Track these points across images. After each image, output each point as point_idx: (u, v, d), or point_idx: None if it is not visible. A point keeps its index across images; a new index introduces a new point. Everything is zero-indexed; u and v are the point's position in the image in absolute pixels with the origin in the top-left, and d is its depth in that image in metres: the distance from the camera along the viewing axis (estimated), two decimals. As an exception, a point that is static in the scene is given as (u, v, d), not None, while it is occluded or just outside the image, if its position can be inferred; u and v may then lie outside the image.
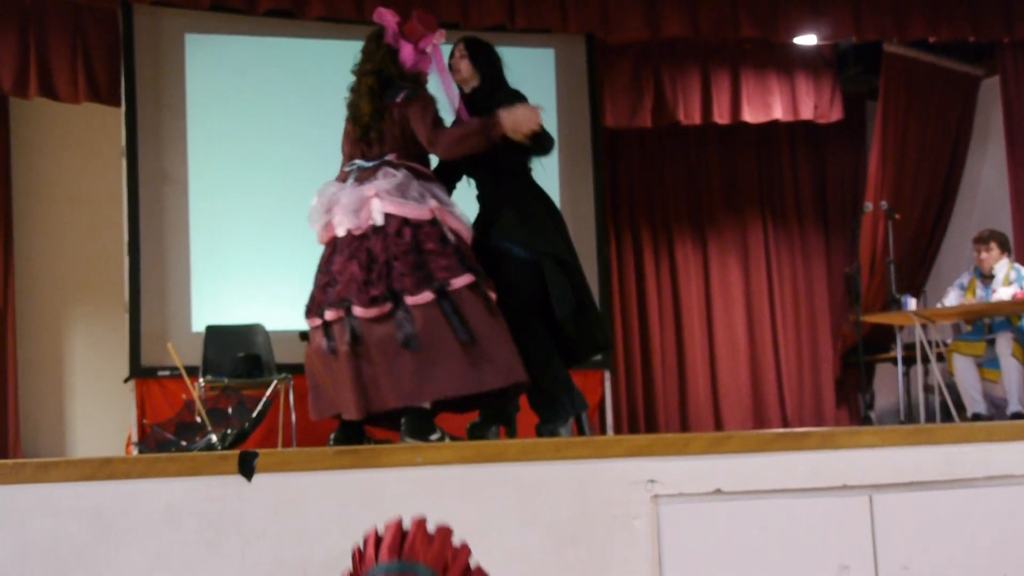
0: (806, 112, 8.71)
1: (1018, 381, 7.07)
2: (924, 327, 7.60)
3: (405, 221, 4.44)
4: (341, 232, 4.51)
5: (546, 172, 7.67)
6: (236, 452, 3.39)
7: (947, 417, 7.54)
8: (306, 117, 7.09)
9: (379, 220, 4.42)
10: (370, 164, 4.59)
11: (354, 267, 4.42)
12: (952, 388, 7.47)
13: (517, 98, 4.81)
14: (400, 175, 4.52)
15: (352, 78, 4.80)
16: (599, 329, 4.94)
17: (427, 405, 4.49)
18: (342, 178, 4.65)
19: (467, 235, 4.61)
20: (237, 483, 3.33)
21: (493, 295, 4.51)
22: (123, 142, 6.99)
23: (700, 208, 9.13)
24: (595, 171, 7.93)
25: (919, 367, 8.19)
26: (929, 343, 7.57)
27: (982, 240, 7.46)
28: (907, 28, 7.99)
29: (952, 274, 8.52)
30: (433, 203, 4.52)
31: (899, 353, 7.97)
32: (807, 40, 8.29)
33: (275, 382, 6.44)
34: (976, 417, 7.14)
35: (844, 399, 9.17)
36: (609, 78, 8.30)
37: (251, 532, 3.31)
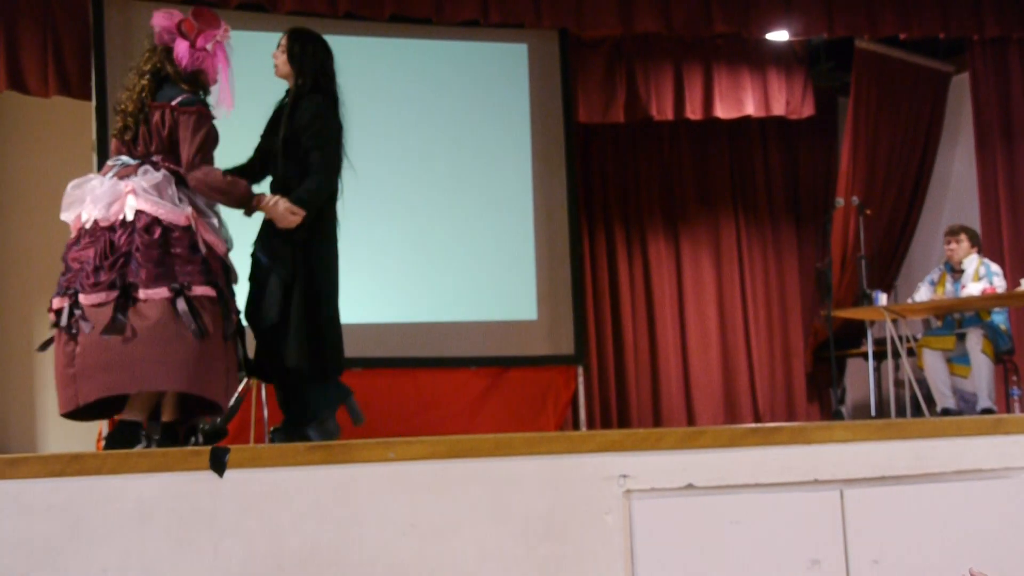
0: (778, 108, 8.74)
1: (987, 377, 7.12)
2: (895, 322, 7.64)
3: (157, 220, 4.35)
4: (87, 221, 4.40)
5: (520, 168, 7.78)
6: (208, 448, 3.37)
7: (917, 412, 7.59)
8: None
9: (129, 215, 4.33)
10: (133, 162, 4.50)
11: (88, 254, 4.33)
12: (922, 383, 7.51)
13: (321, 109, 4.67)
14: (160, 176, 4.43)
15: None
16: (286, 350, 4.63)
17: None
18: (104, 172, 4.54)
19: (221, 249, 4.52)
20: (209, 479, 3.31)
21: (235, 318, 4.49)
22: (94, 136, 6.94)
23: (673, 203, 9.15)
24: (568, 167, 7.93)
25: (890, 362, 8.24)
26: (900, 338, 7.61)
27: (952, 232, 7.52)
28: (879, 25, 8.03)
29: (922, 269, 8.58)
30: (190, 210, 4.43)
31: (870, 348, 8.00)
32: (779, 36, 8.31)
33: (246, 378, 6.41)
34: (945, 412, 7.18)
35: (815, 394, 9.21)
36: (582, 73, 8.30)
37: (223, 528, 3.30)
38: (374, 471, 3.44)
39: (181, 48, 4.58)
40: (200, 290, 4.32)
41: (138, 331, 4.21)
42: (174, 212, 4.38)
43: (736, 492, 3.60)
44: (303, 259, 4.59)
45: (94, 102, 6.94)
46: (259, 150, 4.82)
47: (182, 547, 3.26)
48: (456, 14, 7.41)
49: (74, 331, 4.27)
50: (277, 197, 4.54)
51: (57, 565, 3.18)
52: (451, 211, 7.62)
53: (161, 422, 4.53)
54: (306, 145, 4.63)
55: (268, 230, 4.67)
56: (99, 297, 4.24)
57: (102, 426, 6.63)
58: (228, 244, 4.60)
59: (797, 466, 3.66)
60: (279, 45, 4.79)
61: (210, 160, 4.50)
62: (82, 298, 4.26)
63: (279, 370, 4.62)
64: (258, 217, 4.66)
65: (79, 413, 4.37)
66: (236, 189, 4.49)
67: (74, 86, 7.13)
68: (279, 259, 4.58)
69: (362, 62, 7.57)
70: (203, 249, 4.40)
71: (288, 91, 4.81)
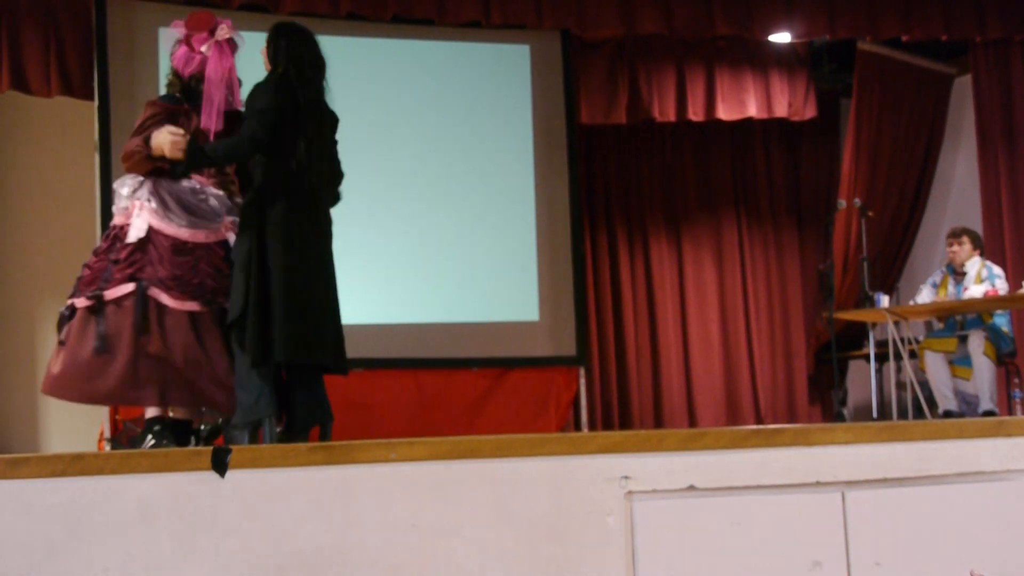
0: (780, 109, 8.73)
1: (990, 379, 7.12)
2: (897, 324, 7.63)
3: (115, 227, 4.51)
4: None
5: (522, 169, 7.78)
6: (209, 448, 3.38)
7: (919, 414, 7.58)
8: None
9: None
10: None
11: None
12: (924, 385, 7.51)
13: (256, 87, 4.55)
14: (121, 182, 4.57)
15: None
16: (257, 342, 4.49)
17: None
18: None
19: (177, 232, 4.47)
20: (210, 479, 3.31)
21: (171, 303, 4.40)
22: (96, 136, 6.94)
23: (675, 205, 9.15)
24: (570, 168, 7.93)
25: (891, 364, 8.24)
26: (902, 340, 7.61)
27: (955, 234, 7.52)
28: (881, 26, 8.03)
29: (924, 271, 8.58)
30: (135, 203, 4.48)
31: (872, 350, 8.00)
32: (781, 38, 8.31)
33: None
34: (947, 414, 7.18)
35: (817, 396, 9.21)
36: (584, 75, 8.30)
37: (225, 528, 3.30)
38: (375, 472, 3.44)
39: (178, 55, 4.62)
40: (112, 293, 4.36)
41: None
42: (119, 214, 4.51)
43: (738, 494, 3.60)
44: (256, 249, 4.50)
45: (96, 102, 6.94)
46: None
47: (184, 547, 3.27)
48: (458, 15, 7.42)
49: None
50: (158, 132, 4.43)
51: (58, 565, 3.18)
52: (453, 212, 7.63)
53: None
54: (243, 116, 4.55)
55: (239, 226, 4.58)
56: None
57: (103, 426, 6.64)
58: (188, 226, 4.50)
59: (799, 468, 3.65)
60: (266, 42, 4.73)
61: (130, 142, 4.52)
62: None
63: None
64: None
65: None
66: (127, 150, 4.49)
67: (76, 86, 7.13)
68: (238, 250, 4.50)
69: (364, 63, 7.58)
70: (137, 236, 4.39)
71: None
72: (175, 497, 3.28)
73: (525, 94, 7.92)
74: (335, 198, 4.82)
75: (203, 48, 4.59)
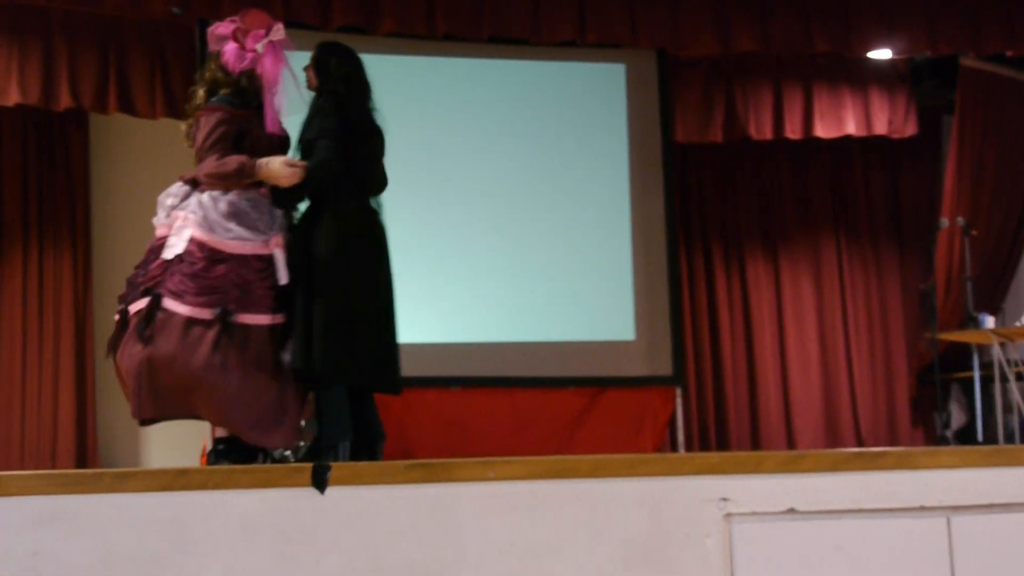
0: (880, 127, 8.62)
1: (1099, 401, 6.94)
2: (1003, 345, 7.48)
3: (162, 239, 4.51)
4: None
5: (617, 188, 7.77)
6: (310, 465, 3.42)
7: (1026, 438, 7.43)
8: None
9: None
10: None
11: None
12: (1031, 408, 7.36)
13: (319, 107, 4.61)
14: (172, 187, 4.56)
15: None
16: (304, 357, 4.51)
17: None
18: None
19: (240, 249, 4.43)
20: (310, 495, 3.36)
21: (189, 312, 4.34)
22: (198, 156, 7.08)
23: (772, 224, 9.07)
24: (666, 187, 7.91)
25: (997, 386, 8.06)
26: (1008, 362, 7.46)
27: None
28: (984, 42, 7.88)
29: (1030, 291, 8.41)
30: (180, 213, 4.48)
31: (976, 372, 7.84)
32: (881, 54, 8.21)
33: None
34: (1055, 438, 7.02)
35: (920, 418, 9.04)
36: (680, 93, 8.28)
37: (324, 544, 3.34)
38: (473, 490, 3.45)
39: (228, 51, 4.56)
40: (133, 307, 4.43)
41: None
42: (161, 225, 4.52)
43: (839, 517, 3.56)
44: (305, 259, 4.53)
45: (200, 121, 7.08)
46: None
47: (284, 562, 3.31)
48: (554, 34, 7.44)
49: None
50: (271, 157, 4.45)
51: (164, 578, 3.24)
52: (549, 231, 7.64)
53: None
54: (308, 137, 4.59)
55: (295, 240, 4.60)
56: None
57: (206, 440, 6.75)
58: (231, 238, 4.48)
59: (902, 492, 3.60)
60: (311, 59, 4.78)
61: (221, 151, 4.46)
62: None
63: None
64: None
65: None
66: (226, 167, 4.42)
67: (180, 107, 7.27)
68: (290, 260, 4.53)
69: (460, 83, 7.65)
70: (176, 251, 4.38)
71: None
72: (276, 513, 3.33)
73: (620, 113, 7.92)
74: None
75: (257, 46, 4.56)
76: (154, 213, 4.65)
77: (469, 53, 7.63)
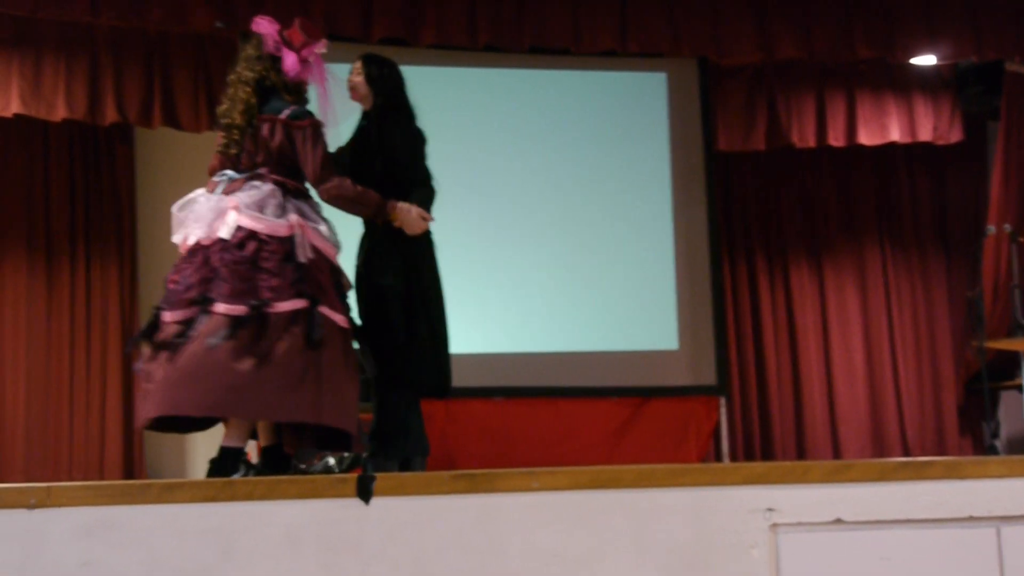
0: (924, 133, 8.55)
1: None
2: (1051, 353, 7.40)
3: (253, 235, 4.33)
4: (191, 241, 4.46)
5: (659, 197, 7.76)
6: (354, 475, 3.43)
7: (1076, 446, 7.34)
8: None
9: (225, 233, 4.33)
10: (239, 176, 4.52)
11: (185, 273, 4.37)
12: (1081, 416, 7.26)
13: (408, 126, 4.79)
14: (265, 189, 4.44)
15: None
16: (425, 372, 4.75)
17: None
18: (211, 188, 4.56)
19: (332, 253, 4.51)
20: (355, 506, 3.37)
21: (340, 320, 4.37)
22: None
23: (816, 232, 9.01)
24: (708, 195, 7.88)
25: (1047, 395, 7.97)
26: (1057, 370, 7.37)
27: None
28: (1030, 46, 7.82)
29: (1080, 298, 8.29)
30: (294, 218, 4.40)
31: (1025, 380, 7.76)
32: (925, 60, 8.14)
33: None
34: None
35: (968, 427, 8.94)
36: (722, 101, 8.25)
37: (369, 554, 3.35)
38: (517, 500, 3.46)
39: (291, 59, 4.59)
40: (283, 306, 4.25)
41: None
42: (274, 225, 4.37)
43: (887, 528, 3.53)
44: (415, 275, 4.69)
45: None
46: (347, 172, 4.79)
47: (329, 573, 3.32)
48: (594, 44, 7.44)
49: (156, 350, 4.30)
50: (409, 204, 4.61)
51: (210, 588, 3.26)
52: (591, 240, 7.63)
53: (260, 447, 4.58)
54: (403, 162, 4.71)
55: (373, 249, 4.74)
56: (179, 315, 4.28)
57: (249, 452, 6.78)
58: (338, 248, 4.60)
59: (950, 502, 3.57)
60: (352, 70, 4.89)
61: (335, 170, 4.53)
62: (165, 315, 4.32)
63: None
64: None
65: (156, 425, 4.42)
66: (368, 198, 4.56)
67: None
68: (393, 276, 4.67)
69: (501, 93, 7.67)
70: (308, 256, 4.36)
71: (365, 113, 4.91)
72: (321, 523, 3.34)
73: (662, 122, 7.91)
74: None
75: (310, 58, 4.64)
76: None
77: (510, 64, 7.65)
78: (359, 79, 4.85)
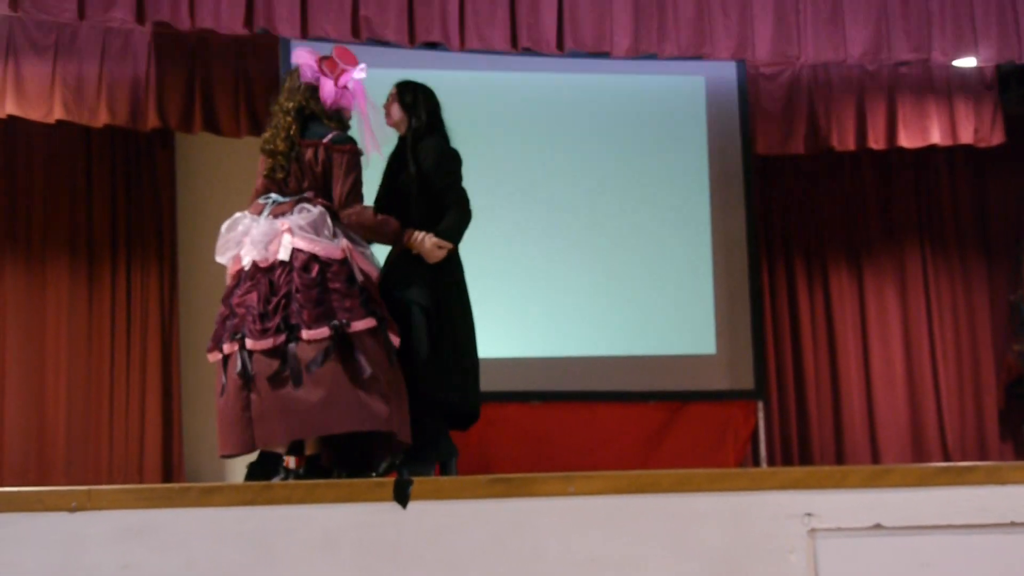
0: (966, 136, 8.47)
1: None
2: (1094, 358, 7.31)
3: (314, 257, 4.46)
4: (247, 263, 4.53)
5: (697, 201, 7.73)
6: (392, 479, 3.44)
7: (1120, 452, 7.25)
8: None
9: (285, 255, 4.45)
10: (286, 199, 4.61)
11: (252, 299, 4.44)
12: (1125, 421, 7.18)
13: (443, 149, 4.84)
14: (316, 212, 4.54)
15: None
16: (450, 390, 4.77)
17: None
18: (256, 211, 4.66)
19: (376, 276, 4.65)
20: (393, 510, 3.38)
21: (396, 341, 4.55)
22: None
23: (855, 235, 8.95)
24: (747, 199, 7.84)
25: (1089, 399, 7.88)
26: (1100, 374, 7.29)
27: None
28: (1074, 47, 7.71)
29: (1123, 303, 8.20)
30: (345, 242, 4.54)
31: (1068, 385, 7.68)
32: (966, 62, 8.07)
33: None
34: None
35: (1009, 432, 8.86)
36: (760, 105, 8.21)
37: (406, 559, 3.36)
38: (554, 505, 3.45)
39: (328, 87, 4.74)
40: (360, 324, 4.42)
41: (313, 374, 4.34)
42: (330, 247, 4.50)
43: (927, 533, 3.50)
44: (441, 292, 4.74)
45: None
46: (383, 194, 4.96)
47: (366, 577, 3.33)
48: (633, 48, 7.42)
49: (250, 376, 4.40)
50: (424, 233, 4.71)
51: (248, 592, 3.28)
52: (629, 245, 7.61)
53: (305, 455, 4.68)
54: (439, 184, 4.79)
55: (397, 264, 4.81)
56: (267, 343, 4.38)
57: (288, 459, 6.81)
58: (379, 270, 4.74)
59: (992, 507, 3.53)
60: (388, 97, 4.97)
61: (361, 198, 4.65)
62: (249, 343, 4.40)
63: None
64: None
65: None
66: (387, 226, 4.68)
67: (264, 126, 7.35)
68: (417, 291, 4.72)
69: (539, 97, 7.66)
70: (360, 278, 4.51)
71: (402, 138, 4.98)
72: (358, 527, 3.35)
73: (700, 126, 7.87)
74: None
75: (349, 84, 4.77)
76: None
77: (548, 68, 7.64)
78: (394, 105, 4.93)
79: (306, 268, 4.44)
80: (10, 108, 7.00)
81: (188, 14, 6.40)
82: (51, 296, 7.57)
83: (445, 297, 4.79)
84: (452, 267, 4.86)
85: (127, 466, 7.46)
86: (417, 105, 4.92)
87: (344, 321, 4.38)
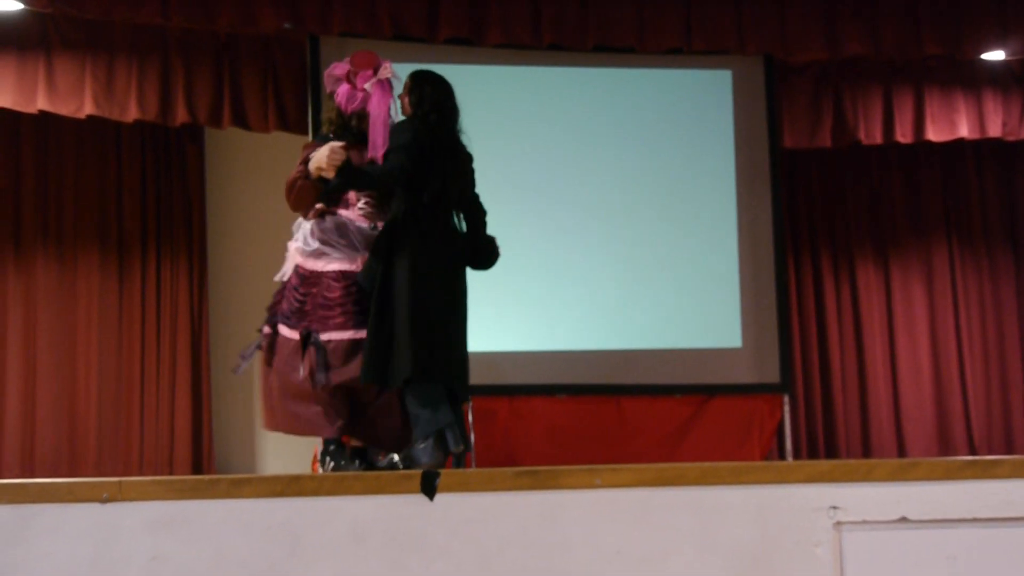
0: (994, 129, 8.41)
1: None
2: (1123, 352, 7.26)
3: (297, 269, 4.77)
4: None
5: (724, 195, 7.71)
6: (419, 472, 3.45)
7: None
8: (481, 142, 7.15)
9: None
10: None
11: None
12: None
13: (396, 126, 4.78)
14: (299, 225, 4.84)
15: None
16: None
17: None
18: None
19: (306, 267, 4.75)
20: (420, 502, 3.39)
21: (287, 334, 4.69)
22: (310, 168, 7.19)
23: (882, 229, 8.91)
24: (773, 193, 7.81)
25: (1117, 393, 7.82)
26: None
27: None
28: (1101, 40, 7.65)
29: None
30: (295, 245, 4.81)
31: (1095, 379, 7.62)
32: (995, 56, 8.02)
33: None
34: None
35: (1036, 427, 8.82)
36: (787, 98, 8.17)
37: (433, 550, 3.37)
38: (580, 498, 3.46)
39: (340, 92, 4.83)
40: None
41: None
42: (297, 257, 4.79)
43: (953, 527, 3.49)
44: (383, 275, 4.66)
45: (310, 137, 7.19)
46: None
47: (394, 568, 3.34)
48: (659, 42, 7.40)
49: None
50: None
51: (277, 582, 3.30)
52: (655, 238, 7.60)
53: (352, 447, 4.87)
54: (386, 151, 4.76)
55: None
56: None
57: (317, 447, 6.84)
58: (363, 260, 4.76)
59: (1019, 501, 3.52)
60: (404, 87, 4.93)
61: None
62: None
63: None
64: None
65: None
66: (287, 182, 4.78)
67: (292, 121, 7.41)
68: (368, 275, 4.71)
69: (566, 91, 7.66)
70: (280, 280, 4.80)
71: None
72: (386, 519, 3.37)
73: (727, 119, 7.84)
74: (488, 241, 5.00)
75: (366, 85, 4.80)
76: (267, 224, 4.90)
77: (575, 62, 7.63)
78: (405, 97, 4.92)
79: (298, 277, 4.82)
80: (41, 104, 7.04)
81: (218, 11, 6.44)
82: (82, 289, 7.63)
83: (386, 278, 4.66)
84: (401, 250, 4.68)
85: (157, 458, 7.51)
86: (423, 97, 4.84)
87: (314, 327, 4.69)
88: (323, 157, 4.43)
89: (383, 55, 5.03)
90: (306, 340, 4.62)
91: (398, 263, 4.64)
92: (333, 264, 4.69)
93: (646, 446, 7.32)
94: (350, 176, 4.54)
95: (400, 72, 4.98)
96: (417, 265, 4.64)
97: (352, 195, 4.79)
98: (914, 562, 3.46)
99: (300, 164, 4.71)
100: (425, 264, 4.68)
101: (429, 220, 4.73)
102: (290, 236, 4.93)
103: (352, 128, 4.82)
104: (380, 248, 4.67)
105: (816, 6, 7.43)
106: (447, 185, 4.77)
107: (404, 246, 4.66)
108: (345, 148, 4.49)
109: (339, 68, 4.91)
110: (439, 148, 4.77)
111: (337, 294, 4.66)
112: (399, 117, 4.92)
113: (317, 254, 4.70)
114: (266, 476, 3.68)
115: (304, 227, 4.79)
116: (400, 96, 4.92)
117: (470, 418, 6.70)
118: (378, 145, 4.75)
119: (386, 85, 4.85)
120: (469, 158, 4.96)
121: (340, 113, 4.83)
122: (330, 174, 4.46)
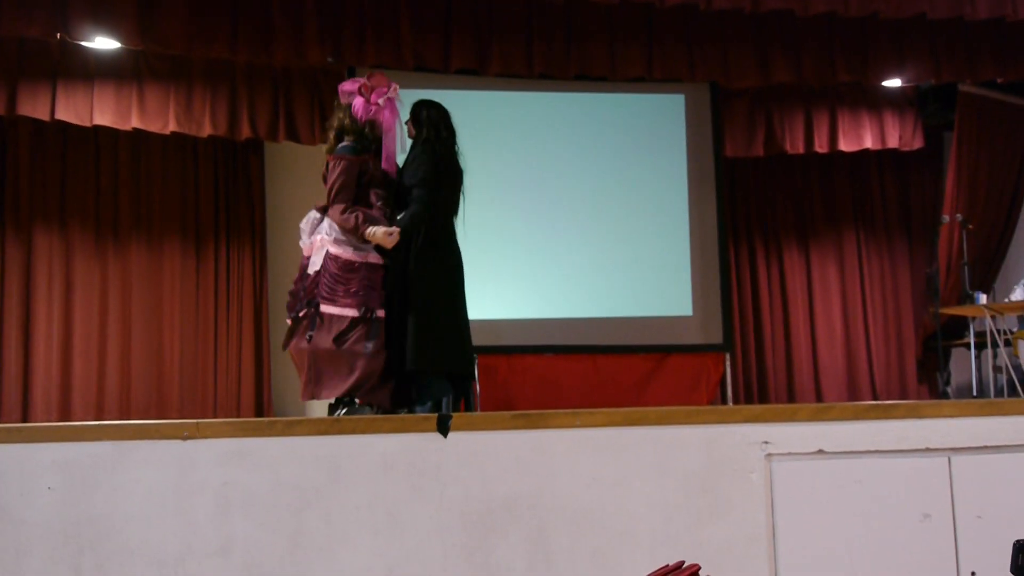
0: (892, 142, 8.39)
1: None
2: (993, 318, 7.26)
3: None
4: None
5: (678, 195, 7.68)
6: (436, 415, 3.45)
7: (1013, 392, 7.21)
8: (484, 151, 7.12)
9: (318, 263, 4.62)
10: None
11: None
12: (1017, 368, 7.13)
13: (415, 158, 4.68)
14: (309, 215, 4.71)
15: None
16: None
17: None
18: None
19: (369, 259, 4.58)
20: (436, 439, 3.39)
21: (335, 311, 4.49)
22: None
23: (804, 222, 8.89)
24: (717, 192, 7.79)
25: (989, 351, 7.82)
26: (997, 331, 7.24)
27: None
28: (978, 71, 7.59)
29: (1017, 273, 8.15)
30: (317, 238, 4.63)
31: (972, 339, 7.63)
32: (893, 82, 7.98)
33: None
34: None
35: (925, 377, 8.81)
36: (729, 117, 8.13)
37: (447, 477, 3.37)
38: (564, 435, 3.46)
39: (358, 103, 4.68)
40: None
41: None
42: (304, 247, 4.69)
43: (859, 457, 3.50)
44: (402, 274, 4.60)
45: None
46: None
47: (416, 492, 3.34)
48: (627, 72, 7.35)
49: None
50: (376, 227, 4.52)
51: (323, 503, 3.30)
52: (624, 229, 7.58)
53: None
54: (408, 184, 4.66)
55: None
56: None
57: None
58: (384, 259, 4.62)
59: (911, 436, 3.53)
60: (410, 114, 4.84)
61: (345, 199, 4.55)
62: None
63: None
64: None
65: None
66: (347, 223, 4.53)
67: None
68: (391, 275, 4.62)
69: (553, 111, 7.62)
70: (313, 269, 4.57)
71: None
72: (410, 453, 3.36)
73: (680, 133, 7.81)
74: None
75: (379, 100, 4.67)
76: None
77: (560, 88, 7.59)
78: (409, 122, 4.85)
79: (302, 267, 4.74)
80: (135, 122, 7.02)
81: (275, 48, 6.40)
82: (167, 270, 7.61)
83: (404, 279, 4.63)
84: (420, 254, 4.67)
85: (228, 403, 7.51)
86: (421, 121, 4.77)
87: (294, 313, 4.66)
88: (383, 238, 4.47)
89: (407, 82, 4.96)
90: (363, 316, 4.46)
91: (413, 265, 4.62)
92: (371, 256, 4.57)
93: (616, 394, 7.32)
94: (405, 234, 4.56)
95: (416, 96, 4.92)
96: (427, 265, 4.64)
97: (373, 197, 4.67)
98: (829, 485, 3.47)
99: (341, 190, 4.55)
100: (433, 263, 4.67)
101: (437, 227, 4.70)
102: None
103: (367, 135, 4.67)
104: (400, 250, 4.60)
105: (751, 43, 7.37)
106: (451, 200, 4.76)
107: (418, 248, 4.63)
108: (398, 233, 4.52)
109: (349, 85, 4.78)
110: (447, 169, 4.73)
111: (379, 277, 4.56)
112: (407, 139, 4.82)
113: (354, 245, 4.56)
114: (314, 419, 3.67)
115: (324, 224, 4.62)
116: (406, 122, 4.84)
117: (475, 373, 6.69)
118: (392, 157, 4.69)
119: (394, 104, 4.74)
120: (462, 175, 4.87)
121: (355, 121, 4.66)
122: (388, 247, 4.52)
